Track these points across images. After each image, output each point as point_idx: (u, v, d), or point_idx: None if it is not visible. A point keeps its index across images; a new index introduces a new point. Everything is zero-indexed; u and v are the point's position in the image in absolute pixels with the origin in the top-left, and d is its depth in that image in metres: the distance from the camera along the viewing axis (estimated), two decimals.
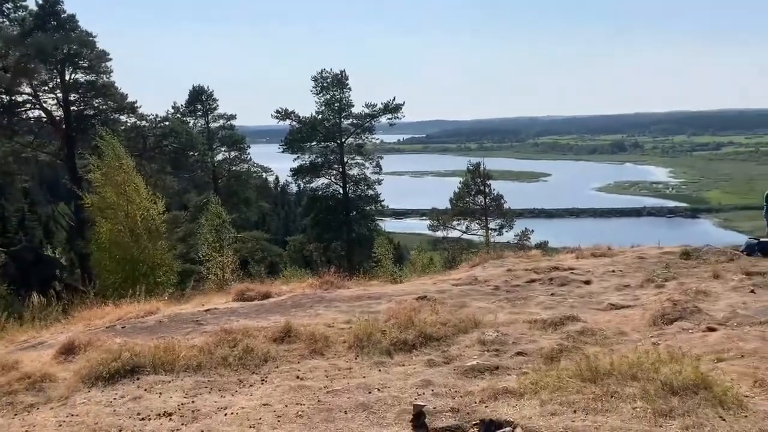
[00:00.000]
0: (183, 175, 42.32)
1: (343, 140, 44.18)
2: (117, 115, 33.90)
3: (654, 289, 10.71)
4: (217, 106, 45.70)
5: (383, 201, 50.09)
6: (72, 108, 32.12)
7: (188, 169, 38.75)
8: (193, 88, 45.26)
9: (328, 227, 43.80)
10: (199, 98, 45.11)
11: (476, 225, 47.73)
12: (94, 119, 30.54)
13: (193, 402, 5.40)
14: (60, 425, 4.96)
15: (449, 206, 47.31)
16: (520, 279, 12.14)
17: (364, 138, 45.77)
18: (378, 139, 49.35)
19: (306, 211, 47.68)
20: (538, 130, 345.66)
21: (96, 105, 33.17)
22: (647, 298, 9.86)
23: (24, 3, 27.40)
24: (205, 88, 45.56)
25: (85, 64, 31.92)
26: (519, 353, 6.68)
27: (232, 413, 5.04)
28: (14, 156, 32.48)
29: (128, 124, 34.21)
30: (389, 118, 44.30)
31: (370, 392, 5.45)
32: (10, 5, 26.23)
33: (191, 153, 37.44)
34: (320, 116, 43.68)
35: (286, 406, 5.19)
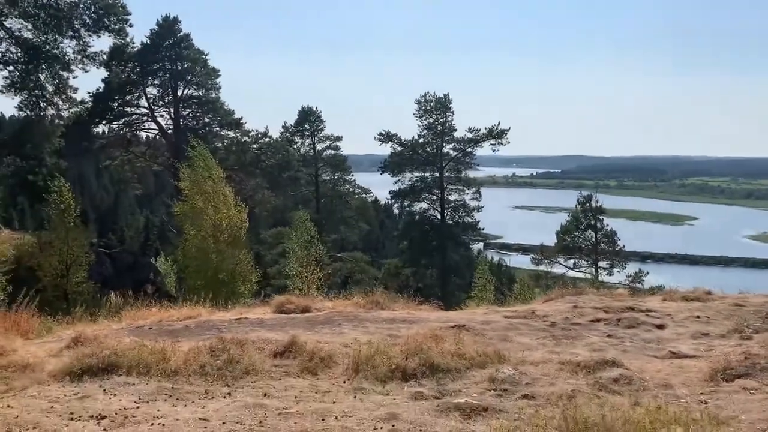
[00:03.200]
0: (289, 192, 43.37)
1: (443, 164, 43.42)
2: (223, 130, 35.56)
3: (737, 340, 9.18)
4: (324, 127, 46.57)
5: (483, 230, 48.66)
6: (181, 122, 34.08)
7: (282, 186, 39.50)
8: (302, 108, 46.43)
9: (423, 252, 43.02)
10: (308, 119, 46.19)
11: (584, 262, 45.17)
12: (200, 132, 32.03)
13: (138, 408, 5.03)
14: None
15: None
16: (583, 317, 10.92)
17: (466, 163, 44.71)
18: (480, 170, 48.07)
19: (402, 235, 47.18)
20: (686, 170, 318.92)
21: (206, 120, 34.98)
22: (722, 349, 8.41)
23: (127, 16, 29.28)
24: (314, 109, 46.63)
25: (196, 80, 33.82)
26: (526, 396, 5.77)
27: (161, 424, 4.59)
28: (129, 165, 34.95)
29: (234, 139, 35.63)
30: (493, 144, 42.99)
31: (323, 419, 4.82)
32: (113, 18, 28.15)
33: (286, 171, 38.27)
34: (421, 140, 43.23)
35: (224, 423, 4.67)
